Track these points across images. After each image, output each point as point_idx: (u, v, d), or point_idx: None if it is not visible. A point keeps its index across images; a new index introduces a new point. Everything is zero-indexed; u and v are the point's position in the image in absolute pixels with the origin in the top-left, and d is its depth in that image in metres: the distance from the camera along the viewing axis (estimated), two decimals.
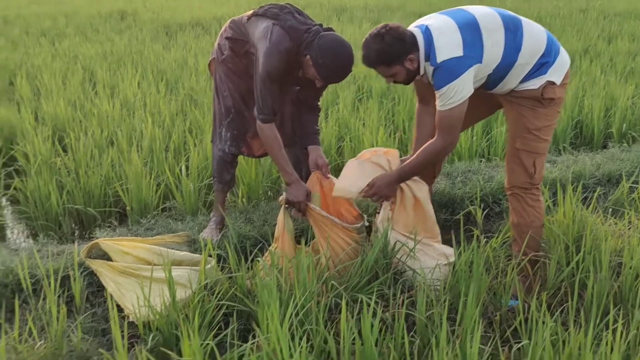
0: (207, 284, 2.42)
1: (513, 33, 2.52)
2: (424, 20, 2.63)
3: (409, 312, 2.34)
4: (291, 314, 2.11)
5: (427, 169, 2.90)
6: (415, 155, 2.70)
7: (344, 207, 2.92)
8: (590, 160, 3.91)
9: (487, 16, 2.55)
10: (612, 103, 4.82)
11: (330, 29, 2.79)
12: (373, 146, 3.92)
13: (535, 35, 2.56)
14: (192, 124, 4.48)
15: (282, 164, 2.79)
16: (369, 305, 2.15)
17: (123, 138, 3.99)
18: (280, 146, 2.78)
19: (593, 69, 5.99)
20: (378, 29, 2.58)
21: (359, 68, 6.20)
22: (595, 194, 3.12)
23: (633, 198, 3.34)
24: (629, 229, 2.87)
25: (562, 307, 2.44)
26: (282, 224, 2.74)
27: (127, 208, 3.42)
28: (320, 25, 2.80)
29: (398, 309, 2.29)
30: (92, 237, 3.04)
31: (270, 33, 2.67)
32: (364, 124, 4.36)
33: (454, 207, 3.43)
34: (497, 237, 2.79)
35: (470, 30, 2.48)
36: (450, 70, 2.44)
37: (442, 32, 2.49)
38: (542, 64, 2.54)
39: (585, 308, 2.37)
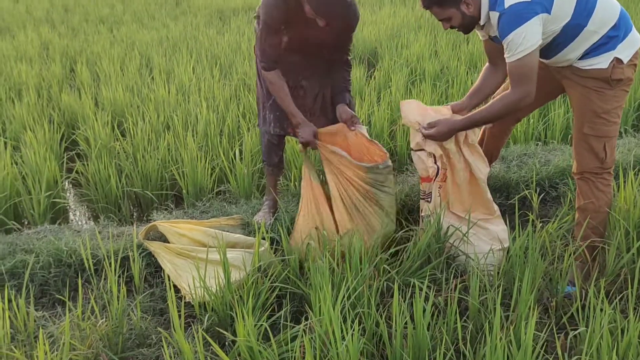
0: (260, 266, 2.46)
1: None
2: None
3: (462, 297, 2.33)
4: (343, 297, 2.13)
5: (494, 74, 2.81)
6: (488, 105, 2.59)
7: (368, 157, 2.90)
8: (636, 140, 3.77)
9: None
10: None
11: None
12: None
13: (609, 4, 2.44)
14: (246, 109, 4.52)
15: (287, 106, 2.82)
16: (421, 289, 2.15)
17: (179, 123, 4.07)
18: (285, 92, 2.81)
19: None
20: None
21: (411, 50, 6.14)
22: None
23: None
24: None
25: (621, 295, 2.38)
26: (307, 174, 2.82)
27: (183, 191, 3.50)
28: None
29: (451, 293, 2.28)
30: (150, 220, 3.13)
31: None
32: None
33: (508, 191, 3.37)
34: (554, 222, 2.73)
35: None
36: (517, 15, 2.32)
37: None
38: (611, 37, 2.42)
39: None
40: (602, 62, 2.44)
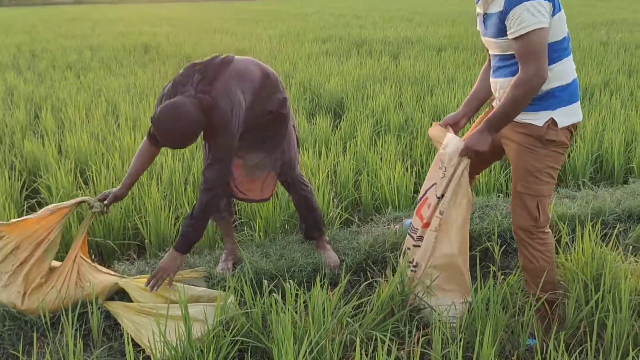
0: (222, 319, 2.43)
1: (567, 44, 2.45)
2: None
3: (425, 351, 2.33)
4: (305, 352, 2.11)
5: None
6: (501, 102, 2.45)
7: None
8: (610, 196, 3.87)
9: None
10: (632, 137, 4.78)
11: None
12: (391, 180, 3.93)
13: (571, 68, 2.49)
14: None
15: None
16: (383, 342, 2.14)
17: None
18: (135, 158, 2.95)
19: (613, 102, 5.97)
20: None
21: (377, 101, 6.25)
22: (615, 231, 3.09)
23: None
24: None
25: (581, 348, 2.41)
26: None
27: (146, 241, 3.46)
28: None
29: (413, 347, 2.27)
30: (111, 268, 3.09)
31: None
32: (381, 158, 4.38)
33: (471, 242, 3.38)
34: (515, 274, 2.77)
35: None
36: None
37: None
38: (555, 96, 2.44)
39: (605, 349, 2.33)
40: (538, 119, 2.45)
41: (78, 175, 4.23)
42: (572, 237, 3.27)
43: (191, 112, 2.50)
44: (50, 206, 2.84)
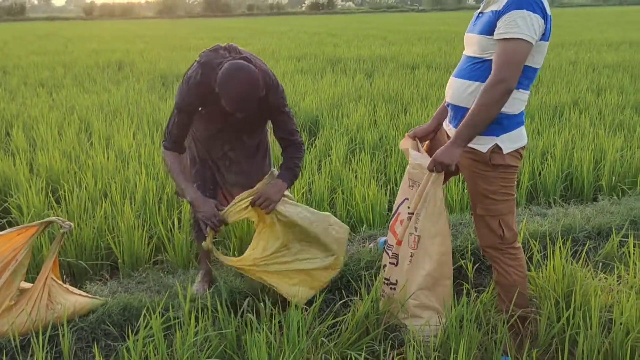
0: (196, 340, 2.41)
1: (534, 78, 2.47)
2: None
3: None
4: None
5: None
6: (469, 113, 2.40)
7: None
8: (580, 213, 3.94)
9: None
10: (601, 155, 4.88)
11: (244, 58, 2.68)
12: (366, 198, 3.96)
13: (524, 100, 2.50)
14: None
15: (181, 184, 2.86)
16: None
17: (116, 190, 4.01)
18: (177, 171, 2.87)
19: (582, 121, 6.09)
20: None
21: (351, 119, 6.30)
22: (585, 248, 3.14)
23: (623, 252, 3.36)
24: (619, 284, 2.89)
25: None
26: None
27: (119, 261, 3.42)
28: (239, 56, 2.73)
29: None
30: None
31: (190, 69, 2.76)
32: (356, 176, 4.41)
33: None
34: (488, 292, 2.80)
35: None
36: (533, 1, 2.28)
37: None
38: (498, 123, 2.44)
39: None
40: (482, 144, 2.47)
41: (50, 194, 4.17)
42: (544, 255, 3.32)
43: (255, 67, 2.61)
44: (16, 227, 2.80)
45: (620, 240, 3.44)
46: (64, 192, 3.99)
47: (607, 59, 11.58)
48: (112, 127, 6.17)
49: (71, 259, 3.45)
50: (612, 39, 17.13)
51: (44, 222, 2.80)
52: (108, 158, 4.82)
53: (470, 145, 2.48)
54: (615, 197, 4.38)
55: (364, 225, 3.88)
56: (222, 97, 2.56)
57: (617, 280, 2.89)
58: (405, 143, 2.91)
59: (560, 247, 2.86)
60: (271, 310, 2.62)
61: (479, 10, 2.57)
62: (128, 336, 2.73)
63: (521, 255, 2.64)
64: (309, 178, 4.40)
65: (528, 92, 2.50)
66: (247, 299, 2.74)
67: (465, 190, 4.20)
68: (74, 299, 2.84)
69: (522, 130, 2.54)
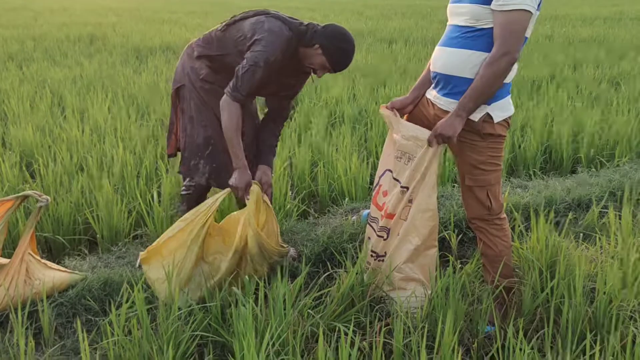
0: (180, 314, 2.37)
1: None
2: None
3: (387, 340, 2.33)
4: (267, 344, 2.08)
5: None
6: (472, 84, 2.38)
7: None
8: (560, 185, 3.96)
9: None
10: (579, 129, 4.91)
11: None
12: (347, 171, 3.93)
13: (514, 69, 2.50)
14: (164, 150, 4.43)
15: (235, 146, 2.70)
16: (346, 334, 2.13)
17: (93, 164, 3.92)
18: (238, 129, 2.69)
19: (560, 94, 6.12)
20: None
21: (330, 93, 6.24)
22: (567, 219, 3.16)
23: (603, 223, 3.39)
24: (601, 253, 2.91)
25: (538, 334, 2.45)
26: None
27: (98, 236, 3.35)
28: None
29: (375, 337, 2.27)
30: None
31: (266, 23, 2.64)
32: (337, 149, 4.37)
33: None
34: (472, 263, 2.80)
35: None
36: None
37: None
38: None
39: (561, 334, 2.38)
40: (475, 113, 2.46)
41: (24, 168, 4.06)
42: (526, 226, 3.34)
43: None
44: None
45: (600, 211, 3.47)
46: (39, 166, 3.89)
47: (582, 33, 11.65)
48: (86, 101, 6.03)
49: (48, 233, 3.37)
50: (586, 14, 17.23)
51: (20, 196, 2.72)
52: (83, 132, 4.71)
53: None
54: (593, 169, 4.42)
55: (346, 199, 3.85)
56: (332, 56, 2.64)
57: (599, 251, 2.91)
58: (385, 111, 2.86)
59: (542, 219, 2.87)
60: (256, 283, 2.59)
61: None
62: (109, 311, 2.70)
63: (506, 226, 2.65)
64: (290, 152, 4.35)
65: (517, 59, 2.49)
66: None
67: (447, 163, 4.20)
68: (52, 274, 2.78)
69: (509, 99, 2.54)
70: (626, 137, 4.74)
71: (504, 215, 2.65)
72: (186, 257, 2.64)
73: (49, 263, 2.85)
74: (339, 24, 2.75)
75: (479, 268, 2.81)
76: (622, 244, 2.87)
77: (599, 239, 2.95)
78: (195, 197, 3.07)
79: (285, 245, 2.96)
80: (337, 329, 2.38)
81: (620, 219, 3.19)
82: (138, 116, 5.50)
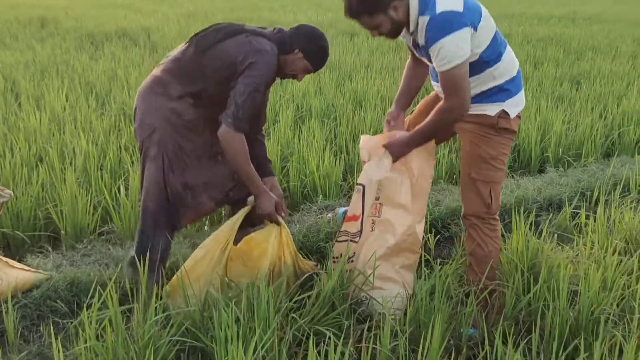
0: (158, 319, 2.25)
1: (499, 39, 2.48)
2: None
3: (374, 346, 2.27)
4: (254, 351, 2.00)
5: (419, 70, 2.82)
6: (426, 120, 2.58)
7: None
8: (531, 185, 3.98)
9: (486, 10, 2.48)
10: (546, 128, 4.94)
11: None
12: (318, 167, 3.85)
13: (513, 58, 2.56)
14: (128, 141, 4.26)
15: (251, 176, 2.58)
16: (329, 338, 2.07)
17: (55, 156, 3.72)
18: (248, 159, 2.55)
19: (524, 93, 6.16)
20: None
21: (296, 86, 6.14)
22: (547, 221, 3.17)
23: (576, 223, 3.41)
24: (577, 255, 2.92)
25: (521, 338, 2.43)
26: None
27: (62, 232, 3.19)
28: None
29: (364, 342, 2.20)
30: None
31: (253, 42, 2.51)
32: (307, 144, 4.27)
33: None
34: (451, 264, 2.76)
35: (472, 2, 2.39)
36: (448, 22, 2.28)
37: None
38: (504, 90, 2.52)
39: (545, 339, 2.36)
40: (490, 110, 2.53)
41: None
42: (504, 226, 3.34)
43: None
44: None
45: (572, 212, 3.49)
46: None
47: (539, 32, 11.83)
48: (41, 87, 5.77)
49: (6, 229, 3.19)
50: (541, 13, 17.54)
51: None
52: (40, 121, 4.49)
53: (477, 111, 2.53)
54: (561, 168, 4.46)
55: (320, 196, 3.77)
56: (314, 57, 2.62)
57: (575, 252, 2.92)
58: (366, 142, 2.87)
59: (522, 220, 2.87)
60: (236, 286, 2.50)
61: (409, 42, 2.61)
62: (77, 313, 2.56)
63: (498, 228, 2.67)
64: None
65: (506, 48, 2.54)
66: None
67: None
68: (15, 274, 2.62)
69: (522, 93, 2.61)
70: (591, 137, 4.81)
71: (497, 217, 2.67)
72: (211, 283, 2.49)
73: (10, 261, 2.69)
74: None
75: (457, 269, 2.77)
76: (598, 247, 2.89)
77: (576, 241, 2.96)
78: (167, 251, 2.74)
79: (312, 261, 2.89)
80: (317, 332, 2.32)
81: (593, 220, 3.22)
82: (98, 105, 5.29)
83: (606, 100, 5.95)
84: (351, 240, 2.75)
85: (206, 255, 2.51)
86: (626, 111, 5.42)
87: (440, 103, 2.49)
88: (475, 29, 2.36)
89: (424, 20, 2.35)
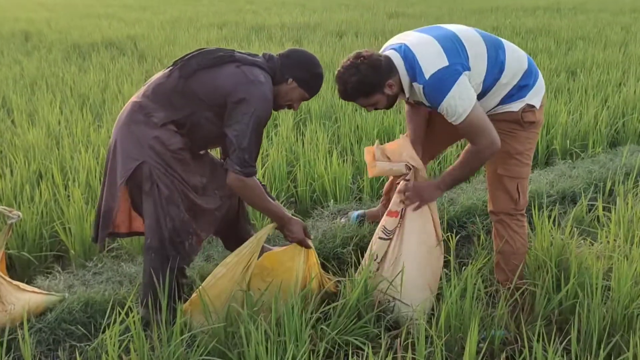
0: (183, 339, 2.16)
1: (495, 50, 2.46)
2: (400, 39, 2.51)
3: (407, 355, 2.19)
4: None
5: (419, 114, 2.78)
6: (457, 164, 2.54)
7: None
8: (543, 178, 3.92)
9: (465, 31, 2.49)
10: (549, 119, 4.89)
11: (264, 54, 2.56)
12: (326, 170, 3.76)
13: (517, 55, 2.53)
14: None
15: (273, 211, 2.53)
16: (358, 348, 1.99)
17: (56, 172, 3.60)
18: (265, 197, 2.49)
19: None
20: (351, 60, 2.42)
21: None
22: (568, 217, 3.10)
23: (592, 217, 3.35)
24: (593, 248, 2.85)
25: (556, 338, 2.36)
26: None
27: (71, 251, 3.08)
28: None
29: (399, 351, 2.13)
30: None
31: (247, 74, 2.35)
32: (312, 148, 4.18)
33: None
34: (474, 264, 2.68)
35: (450, 41, 2.39)
36: (442, 82, 2.31)
37: (421, 47, 2.38)
38: (522, 87, 2.50)
39: (582, 338, 2.29)
40: (514, 106, 2.51)
41: None
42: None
43: None
44: None
45: (587, 204, 3.43)
46: None
47: (527, 23, 11.83)
48: (33, 102, 5.65)
49: (13, 250, 3.08)
50: (526, 5, 17.59)
51: None
52: (37, 135, 4.37)
53: (500, 110, 2.52)
54: (569, 160, 4.41)
55: (331, 200, 3.68)
56: (309, 85, 2.49)
57: (603, 247, 2.86)
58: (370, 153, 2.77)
59: (545, 216, 2.81)
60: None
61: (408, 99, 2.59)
62: (93, 335, 2.47)
63: (525, 224, 2.64)
64: (263, 152, 4.15)
65: (503, 47, 2.50)
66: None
67: (435, 160, 4.08)
68: (27, 297, 2.52)
69: (541, 80, 2.57)
70: (596, 127, 4.76)
71: (525, 214, 2.64)
72: (234, 298, 2.38)
73: (21, 284, 2.59)
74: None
75: (480, 268, 2.70)
76: (623, 239, 2.83)
77: (599, 234, 2.89)
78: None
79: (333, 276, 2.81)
80: (347, 343, 2.25)
81: (610, 212, 3.16)
82: (94, 117, 5.17)
83: (605, 89, 5.92)
84: (388, 238, 2.65)
85: (227, 273, 2.41)
86: (627, 99, 5.38)
87: (469, 146, 2.46)
88: (468, 68, 2.37)
89: (419, 87, 2.38)
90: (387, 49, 2.50)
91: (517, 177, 2.55)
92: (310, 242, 2.60)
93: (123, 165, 2.37)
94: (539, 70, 2.62)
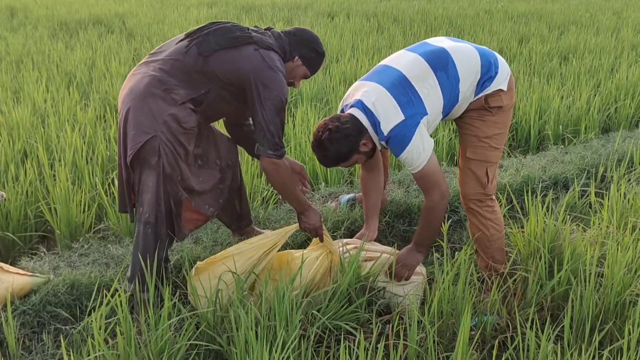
0: (172, 322, 2.12)
1: (444, 70, 2.46)
2: (356, 93, 2.53)
3: (398, 341, 2.17)
4: (281, 353, 1.89)
5: (374, 181, 2.87)
6: (419, 228, 2.60)
7: None
8: (536, 163, 3.89)
9: (412, 65, 2.48)
10: (541, 104, 4.86)
11: (269, 28, 2.61)
12: None
13: (466, 58, 2.51)
14: (116, 133, 4.07)
15: (298, 197, 2.57)
16: (349, 333, 1.96)
17: (42, 151, 3.53)
18: (292, 180, 2.60)
19: (514, 69, 6.09)
20: (321, 131, 2.45)
21: None
22: (560, 202, 3.08)
23: (584, 203, 3.33)
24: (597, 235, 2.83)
25: (544, 322, 2.35)
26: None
27: (56, 231, 3.02)
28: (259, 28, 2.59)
29: (390, 338, 2.10)
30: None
31: (265, 58, 2.37)
32: (302, 129, 4.14)
33: (411, 217, 3.29)
34: (465, 250, 2.65)
35: (402, 88, 2.42)
36: (401, 136, 2.38)
37: (376, 104, 2.42)
38: (486, 79, 2.51)
39: (574, 324, 2.27)
40: (478, 98, 2.55)
41: None
42: (510, 208, 3.26)
43: None
44: None
45: (580, 190, 3.41)
46: None
47: (519, 7, 11.76)
48: (18, 79, 5.54)
49: None
50: None
51: None
52: (22, 114, 4.28)
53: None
54: (561, 145, 4.39)
55: (322, 183, 3.65)
56: (312, 63, 2.57)
57: (596, 233, 2.84)
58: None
59: (539, 201, 2.78)
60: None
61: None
62: (78, 318, 2.42)
63: (498, 209, 2.65)
64: None
65: (457, 69, 2.49)
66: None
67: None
68: (11, 279, 2.46)
69: (502, 63, 2.57)
70: (589, 112, 4.74)
71: (495, 198, 2.65)
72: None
73: (5, 265, 2.53)
74: None
75: (471, 254, 2.68)
76: (616, 225, 2.81)
77: (592, 220, 2.87)
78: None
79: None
80: (338, 327, 2.22)
81: (602, 198, 3.14)
82: (81, 96, 5.08)
83: (598, 74, 5.89)
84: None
85: (246, 252, 2.43)
86: (620, 85, 5.36)
87: (424, 203, 2.53)
88: (425, 112, 2.42)
89: (384, 142, 2.46)
90: (347, 108, 2.52)
91: (486, 160, 2.56)
92: (325, 233, 2.58)
93: (133, 137, 2.34)
94: (496, 56, 2.59)
